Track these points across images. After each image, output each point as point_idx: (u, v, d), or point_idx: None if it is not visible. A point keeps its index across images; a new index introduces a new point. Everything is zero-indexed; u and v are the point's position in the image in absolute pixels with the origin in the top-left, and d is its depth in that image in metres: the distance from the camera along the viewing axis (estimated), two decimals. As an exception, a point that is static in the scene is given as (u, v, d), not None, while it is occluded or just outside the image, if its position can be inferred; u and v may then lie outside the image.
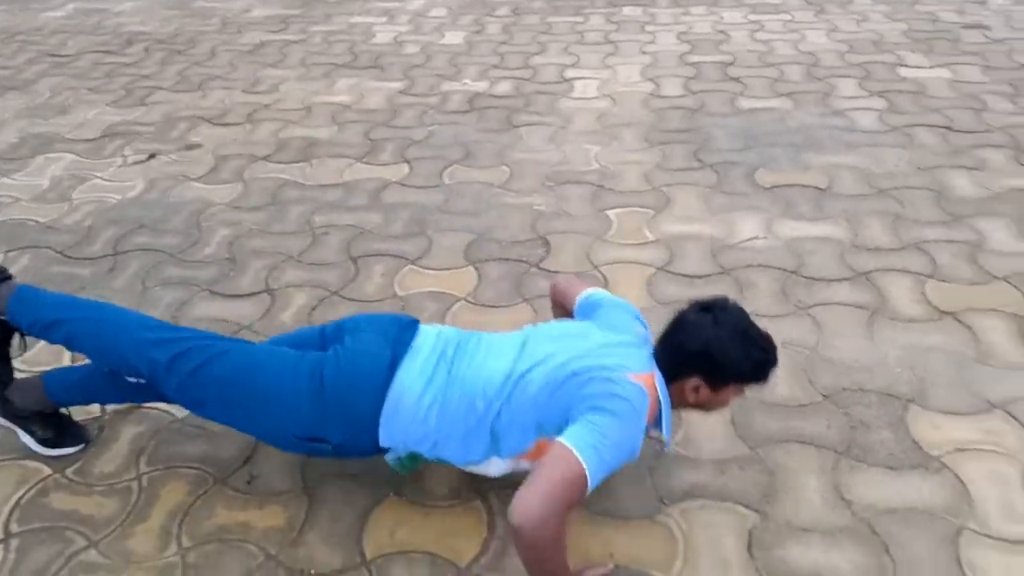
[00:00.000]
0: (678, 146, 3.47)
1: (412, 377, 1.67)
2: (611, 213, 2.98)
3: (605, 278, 2.60)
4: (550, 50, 4.76)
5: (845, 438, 1.95)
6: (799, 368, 2.18)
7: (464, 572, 1.69)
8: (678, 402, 1.67)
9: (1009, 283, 2.48)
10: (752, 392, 1.82)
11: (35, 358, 2.32)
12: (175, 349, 1.72)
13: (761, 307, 2.42)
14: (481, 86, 4.24)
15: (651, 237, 2.82)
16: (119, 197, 3.28)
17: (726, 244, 2.75)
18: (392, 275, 2.68)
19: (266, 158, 3.55)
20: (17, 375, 1.98)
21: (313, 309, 2.52)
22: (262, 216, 3.08)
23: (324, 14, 5.74)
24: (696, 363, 1.60)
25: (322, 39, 5.15)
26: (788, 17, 5.15)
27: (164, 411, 2.13)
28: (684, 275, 2.59)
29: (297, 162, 3.50)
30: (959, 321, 2.32)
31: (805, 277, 2.56)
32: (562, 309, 1.98)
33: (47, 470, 1.97)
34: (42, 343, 2.31)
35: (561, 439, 1.47)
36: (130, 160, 3.60)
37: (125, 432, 2.08)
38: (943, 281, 2.50)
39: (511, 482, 1.78)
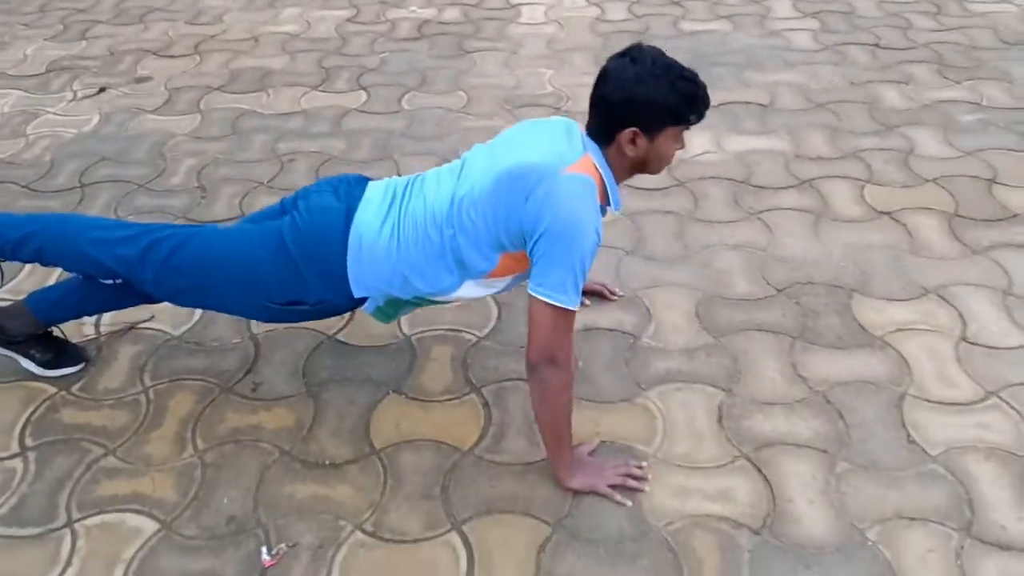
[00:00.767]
0: (628, 68, 3.58)
1: (368, 219, 1.73)
2: (569, 133, 3.10)
3: (570, 193, 2.73)
4: (494, -23, 4.77)
5: (798, 324, 2.16)
6: (754, 267, 2.37)
7: (467, 454, 1.84)
8: (620, 168, 1.67)
9: (938, 184, 2.71)
10: (690, 132, 1.75)
11: (19, 287, 2.35)
12: (143, 242, 1.77)
13: (716, 214, 2.61)
14: (428, 13, 4.26)
15: (609, 154, 2.95)
16: (75, 131, 3.25)
17: (679, 159, 2.91)
18: (364, 197, 2.76)
19: (220, 88, 3.55)
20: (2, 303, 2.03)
21: (291, 231, 2.60)
22: (225, 145, 3.11)
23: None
24: (625, 111, 1.56)
25: (260, -32, 5.04)
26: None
27: (159, 330, 2.21)
28: (643, 188, 2.75)
29: (253, 91, 3.51)
30: (895, 220, 2.55)
31: (754, 186, 2.75)
32: None
33: (52, 389, 2.04)
34: (24, 272, 2.35)
35: (533, 292, 1.56)
36: (80, 95, 3.54)
37: (123, 351, 2.15)
38: (879, 185, 2.72)
39: (503, 376, 1.96)
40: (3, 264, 1.97)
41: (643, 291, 2.30)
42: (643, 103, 1.55)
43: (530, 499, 1.74)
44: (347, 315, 2.17)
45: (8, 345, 2.00)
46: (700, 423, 1.90)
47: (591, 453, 1.82)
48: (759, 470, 1.78)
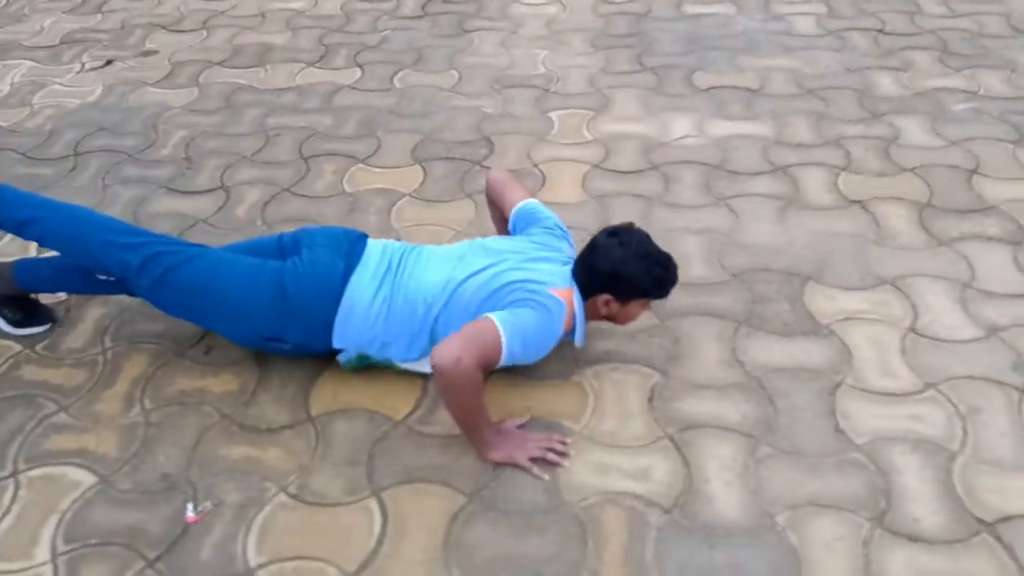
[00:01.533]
0: (623, 50, 3.58)
1: (363, 286, 1.87)
2: (554, 115, 3.11)
3: (544, 174, 2.76)
4: (506, -43, 4.76)
5: (746, 310, 2.16)
6: (713, 252, 2.37)
7: (399, 425, 1.89)
8: (592, 315, 1.89)
9: (915, 174, 2.67)
10: (656, 305, 2.05)
11: (4, 249, 2.46)
12: (145, 253, 1.88)
13: (684, 198, 2.60)
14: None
15: (589, 137, 2.96)
16: (79, 102, 3.36)
17: (659, 142, 2.91)
18: (342, 173, 2.82)
19: (221, 63, 3.63)
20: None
21: (266, 204, 2.67)
22: (217, 119, 3.19)
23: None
24: (605, 281, 1.82)
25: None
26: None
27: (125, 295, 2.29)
28: (617, 171, 2.76)
29: (252, 67, 3.58)
30: (865, 209, 2.52)
31: (728, 171, 2.73)
32: (497, 208, 2.16)
33: (17, 347, 2.14)
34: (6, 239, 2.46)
35: (491, 314, 1.71)
36: (88, 66, 3.65)
37: (90, 313, 2.25)
38: (855, 173, 2.69)
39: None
40: None
41: (599, 272, 2.31)
42: (622, 279, 1.81)
43: (451, 470, 1.78)
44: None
45: (-15, 303, 2.11)
46: (630, 403, 1.92)
47: (519, 427, 1.85)
48: (680, 451, 1.80)
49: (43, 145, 3.06)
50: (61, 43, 3.89)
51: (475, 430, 1.75)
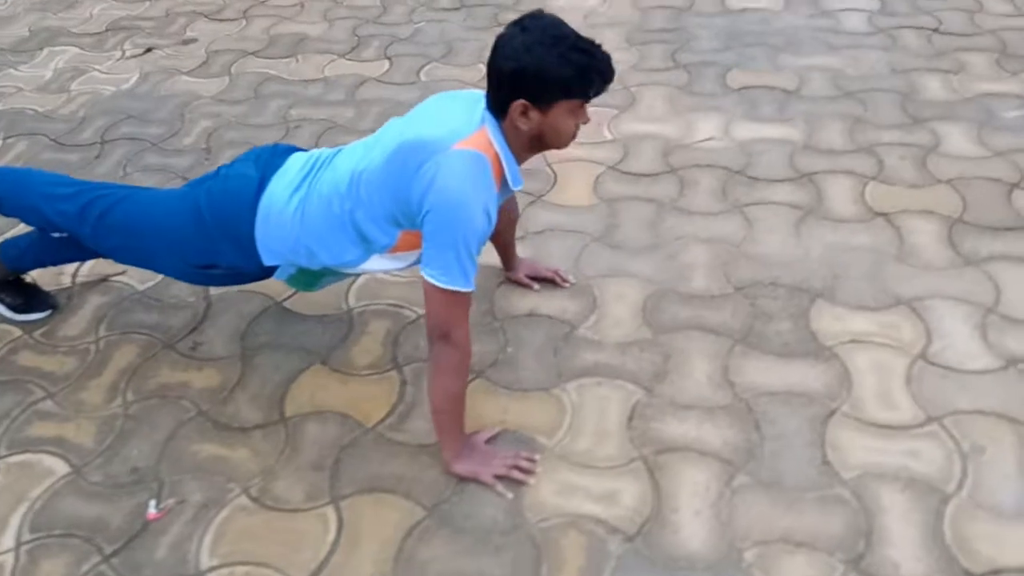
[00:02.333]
0: (658, 46, 3.46)
1: (279, 190, 1.75)
2: (576, 112, 3.02)
3: (555, 174, 2.68)
4: (553, -53, 4.67)
5: (745, 327, 2.05)
6: (720, 263, 2.26)
7: (370, 431, 1.86)
8: (517, 144, 1.61)
9: (951, 186, 2.49)
10: (591, 106, 1.61)
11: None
12: (81, 200, 1.86)
13: (698, 204, 2.49)
14: (476, -17, 4.21)
15: (609, 136, 2.87)
16: (114, 89, 3.43)
17: (680, 144, 2.80)
18: (354, 167, 2.79)
19: (255, 53, 3.65)
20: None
21: (275, 197, 2.66)
22: (242, 109, 3.21)
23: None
24: (514, 82, 1.50)
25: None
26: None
27: (126, 284, 2.32)
28: (631, 173, 2.66)
29: (284, 57, 3.60)
30: (890, 222, 2.37)
31: (748, 177, 2.60)
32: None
33: (18, 332, 2.19)
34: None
35: (422, 272, 1.57)
36: (128, 54, 3.73)
37: (90, 301, 2.28)
38: (884, 183, 2.53)
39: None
40: None
41: (597, 280, 2.24)
42: (531, 74, 1.48)
43: (414, 481, 1.74)
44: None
45: (-19, 287, 2.16)
46: (609, 421, 1.84)
47: (489, 440, 1.80)
48: (652, 474, 1.72)
49: (74, 131, 3.13)
50: (107, 30, 3.97)
51: (450, 428, 1.69)
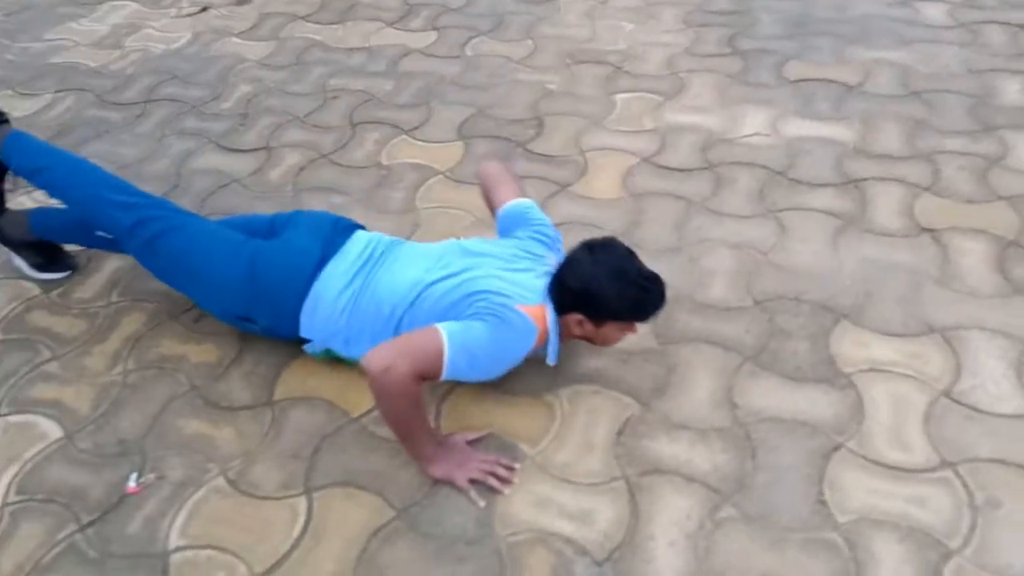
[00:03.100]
0: (716, 29, 3.28)
1: (335, 277, 1.80)
2: (619, 97, 2.90)
3: (585, 164, 2.58)
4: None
5: (759, 344, 1.94)
6: (744, 271, 2.14)
7: (353, 422, 1.83)
8: (567, 334, 1.75)
9: (1011, 204, 2.29)
10: (644, 328, 1.86)
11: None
12: (136, 216, 1.90)
13: (731, 205, 2.36)
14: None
15: (649, 126, 2.74)
16: (164, 48, 3.46)
17: (723, 138, 2.65)
18: (384, 143, 2.75)
19: (305, 17, 3.63)
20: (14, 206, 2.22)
21: (301, 170, 2.65)
22: (284, 75, 3.19)
23: None
24: (576, 300, 1.67)
25: None
26: None
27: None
28: (665, 167, 2.54)
29: (333, 23, 3.56)
30: (936, 240, 2.19)
31: (790, 179, 2.45)
32: (488, 204, 2.02)
33: (37, 291, 2.24)
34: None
35: (439, 324, 1.59)
36: (184, 12, 3.75)
37: (108, 265, 2.31)
38: (938, 196, 2.34)
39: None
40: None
41: (611, 280, 2.13)
42: (591, 299, 1.64)
43: (390, 479, 1.71)
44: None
45: (6, 243, 2.20)
46: (597, 434, 1.77)
47: (472, 442, 1.75)
48: (633, 496, 1.64)
49: (120, 88, 3.17)
50: (168, -14, 4.00)
51: (411, 442, 1.66)
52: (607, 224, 2.32)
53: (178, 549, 1.61)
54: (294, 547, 1.60)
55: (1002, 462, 1.65)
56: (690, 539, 1.56)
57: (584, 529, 1.59)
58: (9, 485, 1.75)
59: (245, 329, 1.96)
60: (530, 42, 3.30)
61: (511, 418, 1.81)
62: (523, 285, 1.72)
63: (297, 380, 1.94)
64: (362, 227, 2.00)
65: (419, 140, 2.75)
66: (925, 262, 2.12)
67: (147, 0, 3.88)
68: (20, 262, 2.24)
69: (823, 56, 3.05)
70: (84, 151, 2.80)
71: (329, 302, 1.80)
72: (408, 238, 2.19)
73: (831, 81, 2.89)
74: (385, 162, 2.66)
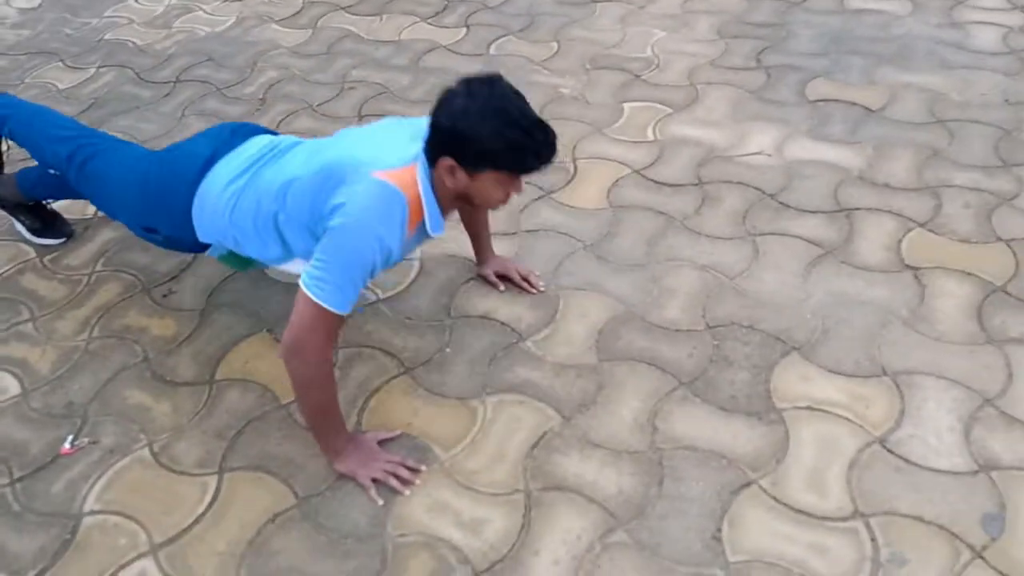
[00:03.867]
0: (748, 41, 3.18)
1: (221, 175, 1.78)
2: (628, 106, 2.86)
3: (575, 171, 2.55)
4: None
5: (698, 369, 1.88)
6: (703, 294, 2.08)
7: (282, 408, 1.88)
8: (443, 193, 1.59)
9: (1010, 247, 2.14)
10: (529, 180, 1.63)
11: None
12: (71, 146, 1.97)
13: (711, 225, 2.30)
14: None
15: (651, 137, 2.69)
16: (208, 30, 3.60)
17: (723, 155, 2.58)
18: (386, 136, 2.78)
19: (346, 8, 3.70)
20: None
21: (300, 157, 2.71)
22: (310, 64, 3.27)
23: None
24: (446, 140, 1.49)
25: None
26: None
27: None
28: (654, 180, 2.49)
29: (370, 15, 3.62)
30: (917, 279, 2.07)
31: (780, 202, 2.36)
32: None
33: (32, 254, 2.38)
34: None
35: (302, 279, 1.53)
36: (234, -4, 3.89)
37: (101, 235, 2.43)
38: (932, 232, 2.21)
39: (371, 343, 1.93)
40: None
41: (569, 291, 2.12)
42: (463, 138, 1.48)
43: (299, 468, 1.74)
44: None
45: (4, 207, 2.35)
46: (511, 444, 1.76)
47: (384, 441, 1.76)
48: (528, 511, 1.62)
49: (156, 68, 3.32)
50: (226, -29, 4.15)
51: (323, 433, 1.68)
52: (580, 234, 2.29)
53: (92, 512, 1.69)
54: (195, 523, 1.65)
55: (919, 519, 1.55)
56: (575, 560, 1.53)
57: (472, 538, 1.59)
58: (-39, 435, 1.87)
59: (154, 242, 1.96)
60: (555, 44, 3.28)
61: (433, 419, 1.82)
62: (384, 151, 1.56)
63: (239, 362, 2.00)
64: (275, 133, 1.92)
65: (419, 136, 2.77)
66: (898, 301, 2.01)
67: (204, -17, 4.04)
68: (19, 226, 2.39)
69: (852, 76, 2.92)
70: (109, 124, 2.95)
71: (212, 199, 1.76)
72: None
73: (852, 103, 2.77)
74: (381, 155, 2.69)
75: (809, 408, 1.77)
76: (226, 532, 1.63)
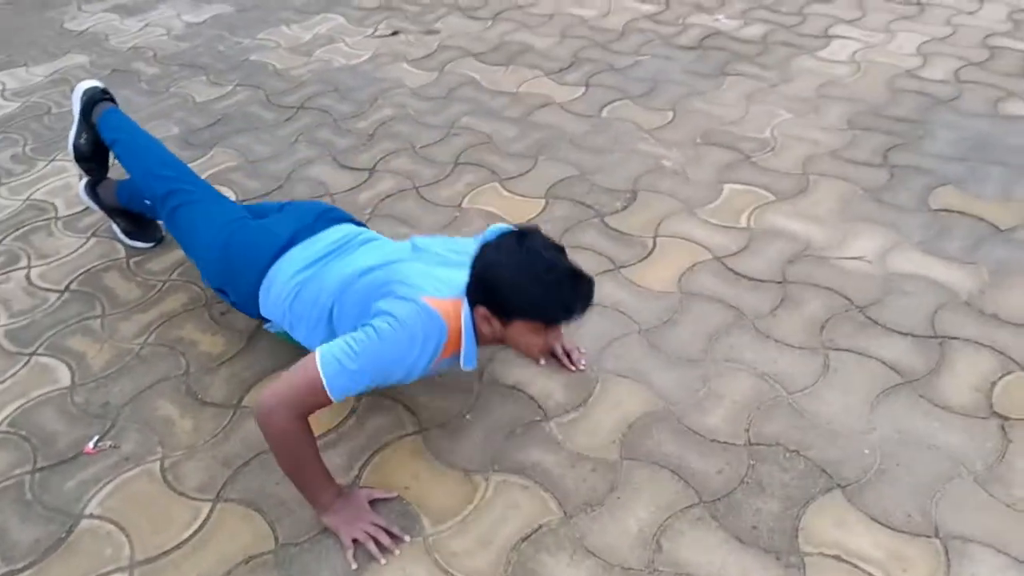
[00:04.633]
0: (878, 136, 2.96)
1: (292, 262, 1.86)
2: (729, 187, 2.71)
3: (652, 248, 2.44)
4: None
5: (723, 490, 1.72)
6: (753, 405, 1.91)
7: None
8: (481, 336, 1.62)
9: None
10: (568, 330, 1.65)
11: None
12: (167, 187, 2.10)
13: (782, 331, 2.12)
14: (731, 25, 3.92)
15: (743, 224, 2.53)
16: (343, 63, 3.76)
17: (817, 254, 2.38)
18: (476, 187, 2.78)
19: (476, 55, 3.76)
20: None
21: (385, 198, 2.75)
22: (426, 106, 3.33)
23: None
24: (480, 290, 1.54)
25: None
26: None
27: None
28: (734, 271, 2.33)
29: (497, 65, 3.66)
30: (1004, 431, 1.81)
31: (866, 317, 2.15)
32: None
33: (122, 254, 2.53)
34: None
35: (319, 347, 1.55)
36: (377, 33, 4.04)
37: (187, 246, 2.54)
38: (1035, 380, 1.94)
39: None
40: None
41: (610, 376, 2.01)
42: (492, 291, 1.52)
43: (288, 512, 1.73)
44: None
45: (103, 209, 2.51)
46: (501, 532, 1.66)
47: (375, 501, 1.72)
48: (496, 610, 1.52)
49: (285, 93, 3.49)
50: (379, 7, 4.34)
51: (304, 488, 1.65)
52: (639, 316, 2.18)
53: (90, 516, 1.74)
54: (177, 547, 1.67)
55: None
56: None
57: (431, 626, 1.50)
58: (6, 416, 1.99)
59: (226, 301, 2.05)
60: (671, 113, 3.17)
61: (431, 488, 1.76)
62: (441, 279, 1.62)
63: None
64: (358, 223, 2.02)
65: (507, 190, 2.75)
66: (974, 452, 1.77)
67: (354, 19, 4.23)
68: (115, 227, 2.54)
69: (986, 188, 2.64)
70: (226, 141, 3.12)
71: (279, 284, 1.84)
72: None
73: (979, 218, 2.50)
74: (466, 204, 2.69)
75: (837, 558, 1.57)
76: (201, 563, 1.63)
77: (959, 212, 2.53)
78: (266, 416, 1.52)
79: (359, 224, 2.03)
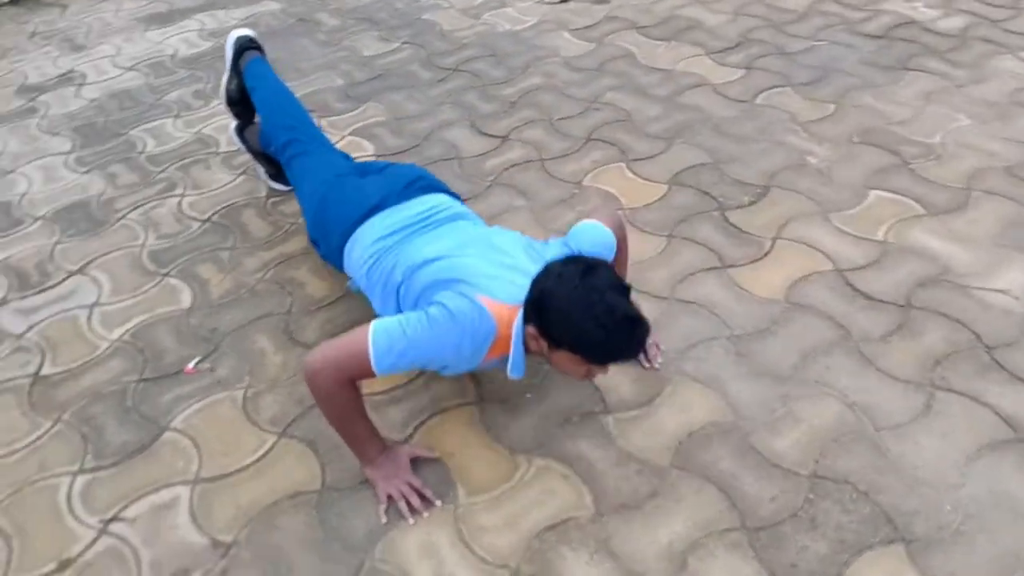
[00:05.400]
0: (1070, 156, 2.58)
1: (377, 227, 1.91)
2: (875, 193, 2.48)
3: (771, 250, 2.29)
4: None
5: (772, 519, 1.61)
6: (831, 435, 1.76)
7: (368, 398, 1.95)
8: (529, 346, 1.59)
9: None
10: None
11: (328, 121, 3.05)
12: (287, 137, 2.24)
13: (889, 359, 1.93)
14: (929, 14, 3.54)
15: (882, 237, 2.31)
16: (507, 28, 3.78)
17: (955, 281, 2.14)
18: (601, 164, 2.73)
19: (640, 28, 3.65)
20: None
21: (512, 166, 2.76)
22: (576, 77, 3.29)
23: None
24: (534, 311, 1.50)
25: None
26: None
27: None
28: (853, 287, 2.14)
29: (660, 39, 3.54)
30: None
31: (992, 358, 1.91)
32: None
33: (262, 193, 2.75)
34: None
35: (374, 321, 1.59)
36: (547, 1, 4.02)
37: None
38: None
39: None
40: None
41: (685, 379, 1.93)
42: (546, 315, 1.47)
43: (340, 458, 1.81)
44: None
45: (250, 151, 2.71)
46: (530, 516, 1.66)
47: (417, 459, 1.76)
48: (503, 592, 1.53)
49: (445, 54, 3.58)
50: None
51: (351, 442, 1.71)
52: (732, 319, 2.06)
53: (173, 429, 1.92)
54: (238, 471, 1.80)
55: None
56: (516, 663, 1.42)
57: (437, 594, 1.53)
58: (129, 328, 2.22)
59: (318, 252, 2.15)
60: (832, 106, 2.94)
61: (474, 459, 1.78)
62: (504, 282, 1.61)
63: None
64: (452, 194, 2.03)
65: (632, 172, 2.68)
66: (1082, 534, 1.53)
67: (532, -18, 4.22)
68: (259, 169, 2.73)
69: None
70: (380, 97, 3.26)
71: (360, 247, 1.90)
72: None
73: None
74: (585, 183, 2.65)
75: (876, 617, 1.43)
76: (254, 490, 1.75)
77: None
78: (313, 375, 1.58)
79: (452, 195, 2.04)
